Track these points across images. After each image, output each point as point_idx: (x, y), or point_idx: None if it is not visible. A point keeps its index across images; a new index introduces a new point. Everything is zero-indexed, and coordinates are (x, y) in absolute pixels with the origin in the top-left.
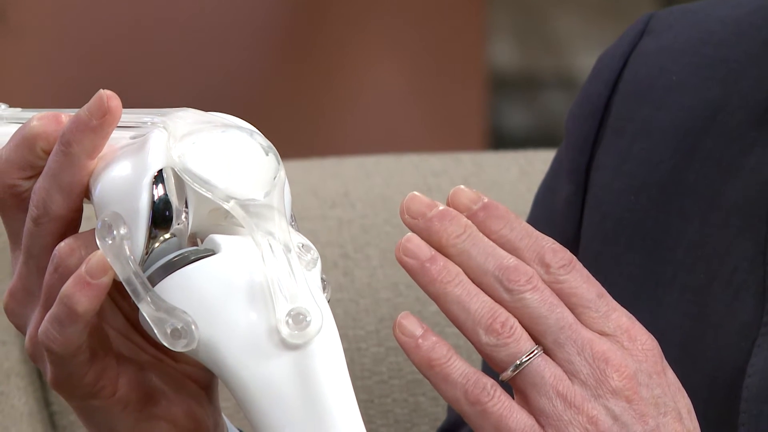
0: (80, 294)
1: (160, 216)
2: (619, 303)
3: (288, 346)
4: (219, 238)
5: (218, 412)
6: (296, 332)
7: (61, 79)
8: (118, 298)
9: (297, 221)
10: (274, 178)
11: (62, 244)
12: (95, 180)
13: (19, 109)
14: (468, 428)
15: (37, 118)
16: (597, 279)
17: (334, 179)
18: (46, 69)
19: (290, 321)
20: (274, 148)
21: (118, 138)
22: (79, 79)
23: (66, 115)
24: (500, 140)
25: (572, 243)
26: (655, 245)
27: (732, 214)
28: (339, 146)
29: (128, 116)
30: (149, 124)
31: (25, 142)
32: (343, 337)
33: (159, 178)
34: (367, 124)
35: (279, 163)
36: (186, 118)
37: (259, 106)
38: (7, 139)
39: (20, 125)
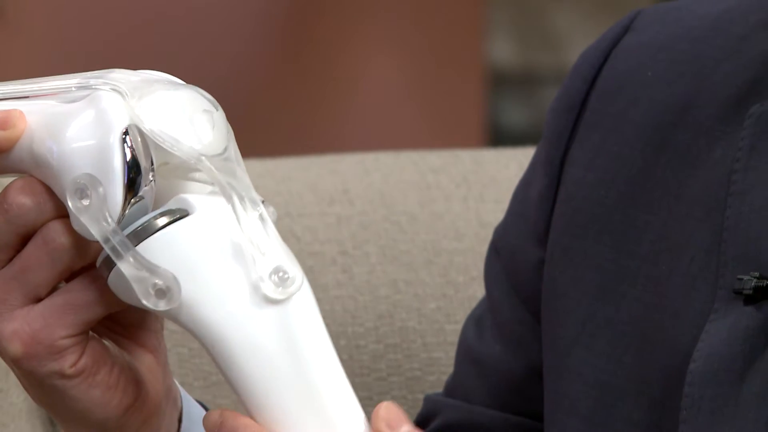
0: None
1: (132, 177)
2: (585, 298)
3: (271, 302)
4: (191, 198)
5: (169, 378)
6: (280, 288)
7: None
8: None
9: (296, 218)
10: (227, 132)
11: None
12: (44, 144)
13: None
14: (441, 419)
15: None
16: (565, 273)
17: (333, 176)
18: (43, 64)
19: (275, 278)
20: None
21: (47, 104)
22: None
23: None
24: (499, 137)
25: (543, 236)
26: (623, 239)
27: (693, 206)
28: (338, 143)
29: (45, 84)
30: (86, 86)
31: None
32: (342, 334)
33: (125, 136)
34: (365, 121)
35: (225, 118)
36: (129, 77)
37: (258, 102)
38: None
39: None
